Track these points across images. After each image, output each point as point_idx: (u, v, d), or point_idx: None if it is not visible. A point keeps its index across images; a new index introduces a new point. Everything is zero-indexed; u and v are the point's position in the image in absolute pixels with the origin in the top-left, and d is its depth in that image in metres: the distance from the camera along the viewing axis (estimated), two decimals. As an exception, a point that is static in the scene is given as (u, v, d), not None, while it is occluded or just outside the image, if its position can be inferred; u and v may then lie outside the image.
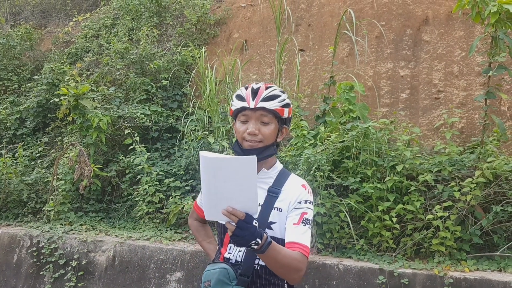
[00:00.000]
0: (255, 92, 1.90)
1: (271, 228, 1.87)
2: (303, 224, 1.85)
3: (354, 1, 6.30)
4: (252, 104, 1.87)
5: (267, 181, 1.96)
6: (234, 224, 1.59)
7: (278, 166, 2.02)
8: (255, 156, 1.55)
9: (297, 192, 1.91)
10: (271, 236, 1.79)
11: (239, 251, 1.90)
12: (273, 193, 1.91)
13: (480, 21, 4.05)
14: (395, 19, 5.84)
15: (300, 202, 1.89)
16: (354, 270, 3.79)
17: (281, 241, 1.84)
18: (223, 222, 1.64)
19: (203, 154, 1.60)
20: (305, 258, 1.81)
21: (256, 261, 1.87)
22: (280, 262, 1.73)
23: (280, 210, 1.88)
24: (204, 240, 2.28)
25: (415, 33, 5.66)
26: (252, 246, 1.62)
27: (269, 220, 1.86)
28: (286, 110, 1.93)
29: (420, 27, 5.66)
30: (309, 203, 1.91)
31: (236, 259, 1.89)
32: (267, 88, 1.92)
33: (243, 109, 1.90)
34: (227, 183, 1.57)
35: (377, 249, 4.12)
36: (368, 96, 5.44)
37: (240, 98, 1.92)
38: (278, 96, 1.91)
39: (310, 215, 1.90)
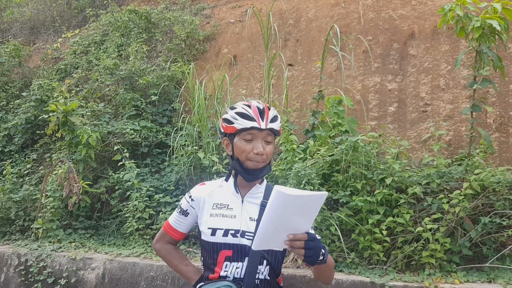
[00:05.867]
0: (262, 113, 1.93)
1: None
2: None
3: (341, 17, 6.39)
4: (263, 125, 1.90)
5: (259, 195, 2.01)
6: (301, 247, 1.60)
7: (264, 180, 2.11)
8: (326, 193, 1.59)
9: None
10: (270, 250, 1.90)
11: (236, 267, 1.91)
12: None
13: (465, 35, 4.13)
14: (382, 34, 5.93)
15: None
16: (345, 283, 3.78)
17: (278, 253, 1.95)
18: (276, 249, 1.75)
19: (280, 189, 1.52)
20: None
21: (257, 276, 1.90)
22: (330, 265, 1.83)
23: None
24: (181, 264, 2.18)
25: (401, 47, 5.75)
26: (320, 259, 1.66)
27: None
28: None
29: (406, 41, 5.75)
30: None
31: (234, 276, 1.90)
32: (269, 108, 1.98)
33: (251, 128, 1.91)
34: (293, 216, 1.56)
35: (368, 262, 4.12)
36: (357, 109, 5.49)
37: (246, 117, 1.91)
38: (278, 117, 2.00)
39: None
